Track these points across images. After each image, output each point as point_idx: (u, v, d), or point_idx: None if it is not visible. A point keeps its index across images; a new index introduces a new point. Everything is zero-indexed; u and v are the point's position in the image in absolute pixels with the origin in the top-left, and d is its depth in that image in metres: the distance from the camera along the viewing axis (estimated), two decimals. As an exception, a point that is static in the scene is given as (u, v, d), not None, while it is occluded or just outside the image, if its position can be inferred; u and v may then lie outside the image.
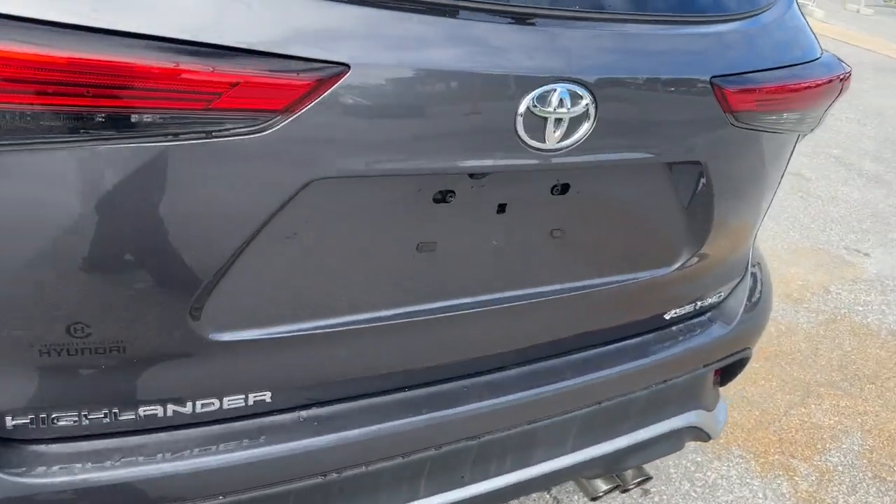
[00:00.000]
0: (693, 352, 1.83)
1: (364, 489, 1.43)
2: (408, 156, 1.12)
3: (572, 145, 1.24)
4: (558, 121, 1.20)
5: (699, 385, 1.95)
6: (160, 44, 0.92)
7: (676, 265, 1.67)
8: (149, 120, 0.94)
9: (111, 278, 1.06)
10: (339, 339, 1.29)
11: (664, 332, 1.80)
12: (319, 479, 1.34)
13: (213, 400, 1.24)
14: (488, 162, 1.20)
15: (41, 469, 1.15)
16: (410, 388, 1.44)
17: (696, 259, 1.68)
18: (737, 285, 1.94)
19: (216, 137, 0.98)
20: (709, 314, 1.91)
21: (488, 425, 1.51)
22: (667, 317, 1.79)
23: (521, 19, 1.17)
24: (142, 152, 0.96)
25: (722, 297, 1.91)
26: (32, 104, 0.88)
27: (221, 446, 1.26)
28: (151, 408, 1.20)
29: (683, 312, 1.82)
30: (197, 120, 0.96)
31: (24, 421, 1.13)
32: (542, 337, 1.57)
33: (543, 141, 1.21)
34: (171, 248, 1.05)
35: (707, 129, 1.43)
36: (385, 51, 1.05)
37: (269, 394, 1.28)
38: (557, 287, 1.51)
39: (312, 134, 1.03)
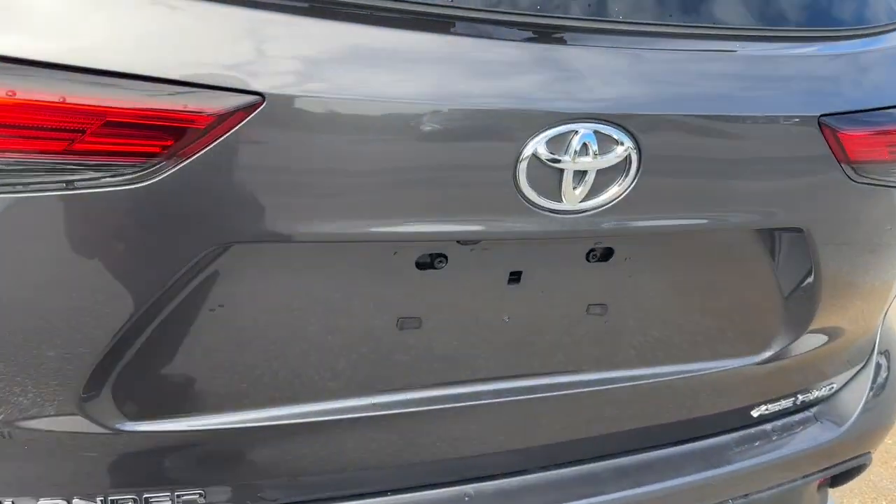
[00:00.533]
0: (788, 459, 1.41)
1: None
2: (354, 217, 0.83)
3: (603, 206, 0.90)
4: (580, 173, 0.87)
5: (797, 497, 1.53)
6: (-9, 63, 0.67)
7: (766, 354, 1.27)
8: (-14, 164, 0.70)
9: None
10: (293, 433, 1.02)
11: (749, 434, 1.39)
12: None
13: (131, 496, 1.00)
14: (476, 227, 0.88)
15: None
16: (393, 492, 1.14)
17: (794, 347, 1.28)
18: (855, 375, 1.50)
19: (79, 188, 0.73)
20: (814, 410, 1.48)
21: None
22: (754, 413, 1.39)
23: (529, 31, 0.84)
24: (-16, 205, 0.72)
25: (833, 390, 1.48)
26: None
27: None
28: (54, 502, 0.98)
29: (777, 409, 1.41)
30: (53, 166, 0.72)
31: None
32: (574, 436, 1.23)
33: (559, 200, 0.88)
34: (38, 321, 0.81)
35: (812, 187, 1.04)
36: (314, 76, 0.76)
37: (200, 491, 1.03)
38: (596, 376, 1.16)
39: (214, 185, 0.76)
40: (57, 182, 0.72)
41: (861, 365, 1.49)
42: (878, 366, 1.53)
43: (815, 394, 1.44)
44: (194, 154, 0.73)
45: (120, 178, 0.73)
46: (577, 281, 1.07)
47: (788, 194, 1.03)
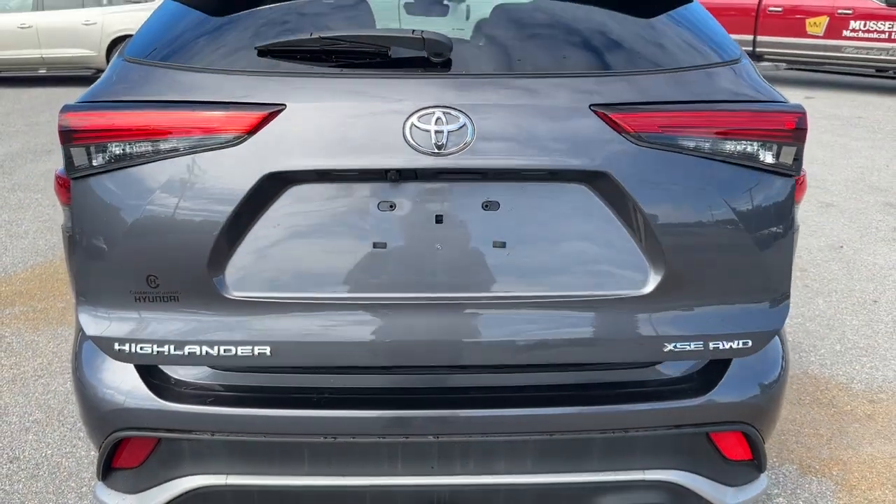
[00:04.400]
0: (655, 411, 1.86)
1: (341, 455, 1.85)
2: (331, 159, 1.73)
3: (458, 151, 1.71)
4: (439, 132, 1.71)
5: (684, 444, 1.93)
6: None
7: (645, 289, 1.78)
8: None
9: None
10: (318, 308, 1.80)
11: (652, 370, 1.89)
12: None
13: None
14: (392, 161, 1.72)
15: None
16: (375, 370, 1.90)
17: (670, 287, 1.78)
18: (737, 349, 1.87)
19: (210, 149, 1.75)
20: (735, 365, 1.89)
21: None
22: (655, 350, 1.84)
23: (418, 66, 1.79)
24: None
25: (749, 346, 1.84)
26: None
27: None
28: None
29: (683, 350, 1.82)
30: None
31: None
32: (496, 345, 1.83)
33: (432, 147, 1.71)
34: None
35: (604, 144, 1.72)
36: (307, 96, 1.76)
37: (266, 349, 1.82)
38: (506, 294, 1.80)
39: (265, 146, 1.73)
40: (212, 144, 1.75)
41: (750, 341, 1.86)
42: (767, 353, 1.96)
43: (728, 345, 1.83)
44: (258, 132, 1.72)
45: (226, 143, 1.74)
46: (479, 224, 1.79)
47: (587, 147, 1.72)
